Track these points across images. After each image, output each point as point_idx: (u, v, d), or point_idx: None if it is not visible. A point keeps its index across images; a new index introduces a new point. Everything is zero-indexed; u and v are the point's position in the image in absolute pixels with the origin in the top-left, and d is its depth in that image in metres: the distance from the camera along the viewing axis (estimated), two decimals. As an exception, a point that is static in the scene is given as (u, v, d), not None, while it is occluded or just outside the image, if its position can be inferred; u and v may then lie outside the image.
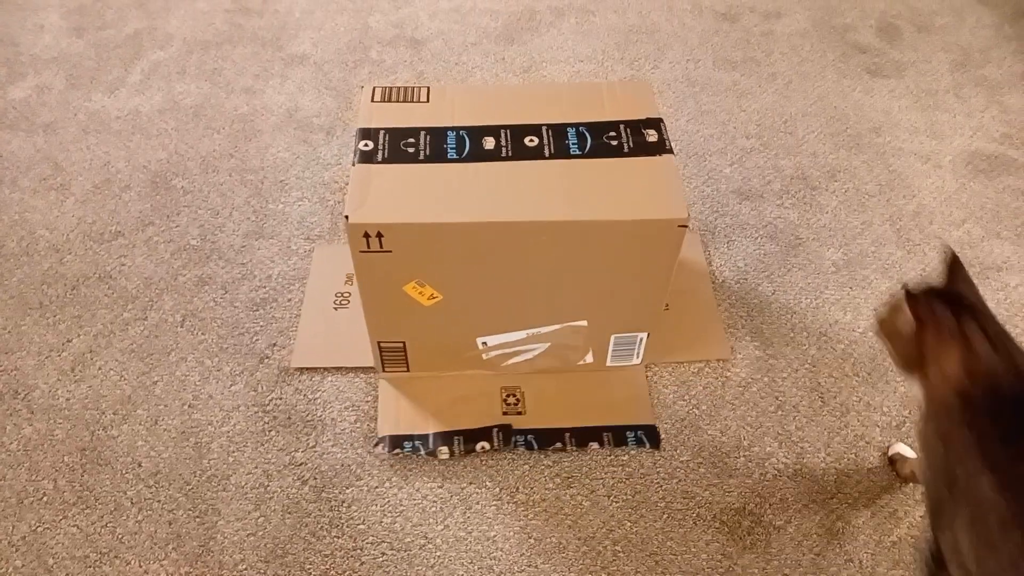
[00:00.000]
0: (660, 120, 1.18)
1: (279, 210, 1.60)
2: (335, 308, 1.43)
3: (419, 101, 1.21)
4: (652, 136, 1.16)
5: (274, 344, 1.39)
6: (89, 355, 1.37)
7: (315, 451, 1.26)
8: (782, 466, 1.25)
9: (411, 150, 1.12)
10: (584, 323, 1.25)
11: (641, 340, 1.30)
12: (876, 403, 1.32)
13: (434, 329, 1.24)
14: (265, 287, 1.47)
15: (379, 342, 1.26)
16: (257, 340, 1.39)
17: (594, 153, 1.13)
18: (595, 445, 1.26)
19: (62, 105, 1.80)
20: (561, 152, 1.13)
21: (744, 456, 1.26)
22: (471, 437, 1.25)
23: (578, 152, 1.13)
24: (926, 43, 2.01)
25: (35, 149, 1.70)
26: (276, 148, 1.73)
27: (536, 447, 1.25)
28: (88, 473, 1.23)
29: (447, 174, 1.11)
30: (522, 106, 1.21)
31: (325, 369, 1.35)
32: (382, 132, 1.15)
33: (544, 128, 1.16)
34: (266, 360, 1.37)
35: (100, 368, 1.35)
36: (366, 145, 1.13)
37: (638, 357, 1.34)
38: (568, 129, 1.16)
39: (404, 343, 1.27)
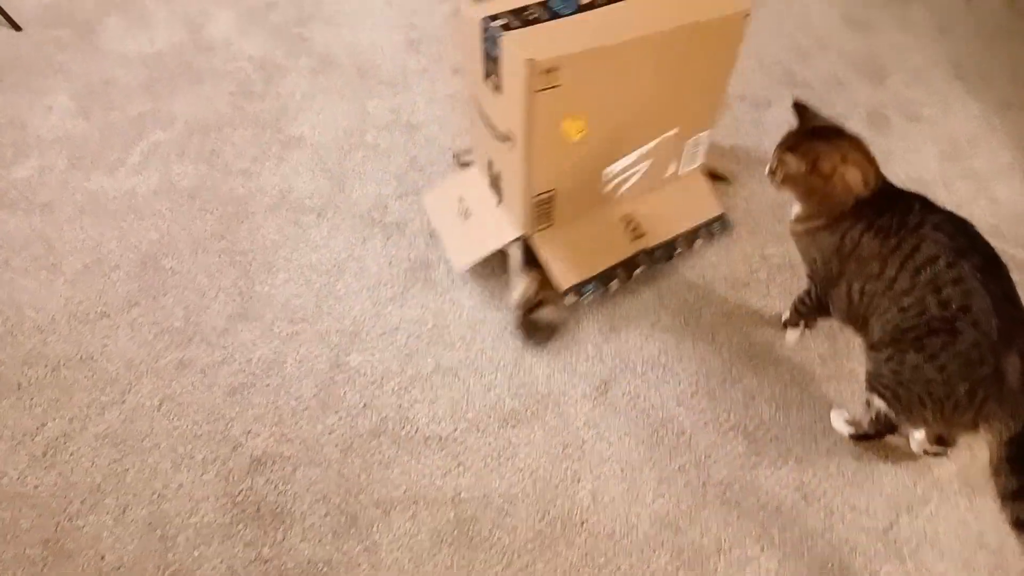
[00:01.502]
0: None
1: (264, 292, 1.61)
2: (463, 218, 1.63)
3: None
4: None
5: (248, 431, 1.37)
6: (63, 439, 1.36)
7: (283, 546, 1.23)
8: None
9: (533, 16, 1.30)
10: (675, 130, 1.52)
11: (704, 140, 1.60)
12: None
13: (576, 168, 1.43)
14: (244, 371, 1.46)
15: (534, 196, 1.42)
16: (232, 426, 1.38)
17: None
18: (699, 241, 1.63)
19: (61, 185, 1.84)
20: None
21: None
22: (629, 264, 1.53)
23: None
24: (915, 133, 2.03)
25: (31, 229, 1.73)
26: (267, 229, 1.75)
27: (667, 258, 1.59)
28: (50, 567, 1.20)
29: (573, 24, 1.30)
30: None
31: (294, 461, 1.33)
32: (502, 14, 1.30)
33: None
34: (239, 448, 1.35)
35: (72, 454, 1.34)
36: (497, 20, 1.28)
37: (700, 158, 1.65)
38: None
39: (554, 191, 1.43)
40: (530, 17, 1.30)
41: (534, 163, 1.36)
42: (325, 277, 1.65)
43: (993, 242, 1.75)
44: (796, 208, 1.30)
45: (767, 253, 1.71)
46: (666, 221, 1.61)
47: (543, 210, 1.47)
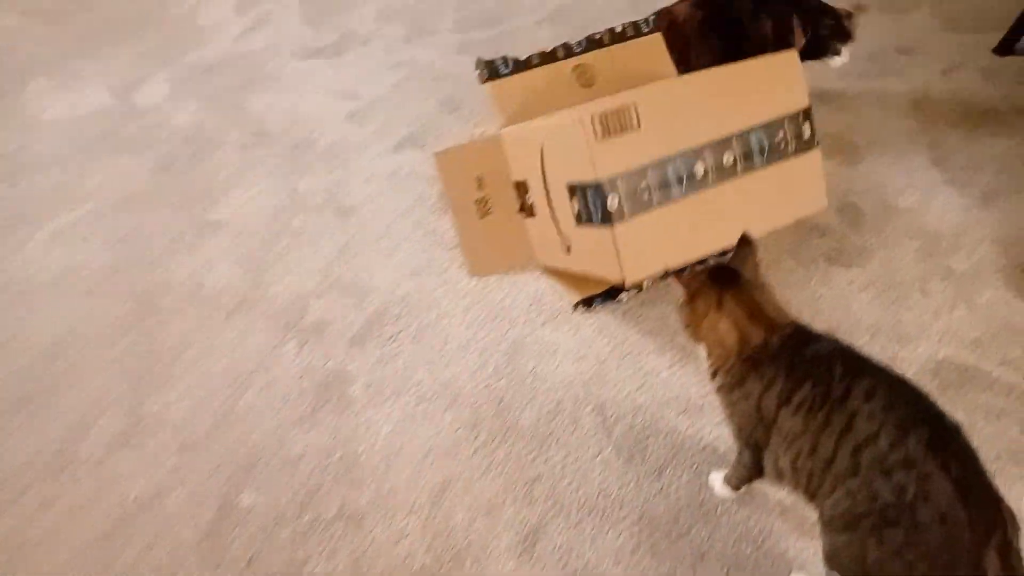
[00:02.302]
0: (810, 110, 1.49)
1: (155, 412, 1.42)
2: (481, 217, 1.66)
3: (632, 128, 1.35)
4: (807, 131, 1.50)
5: (109, 595, 1.17)
6: None
7: None
8: None
9: (645, 197, 1.37)
10: None
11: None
12: None
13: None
14: (118, 511, 1.26)
15: None
16: (92, 587, 1.18)
17: (770, 159, 1.47)
18: None
19: (-56, 275, 1.65)
20: (749, 164, 1.45)
21: None
22: None
23: (761, 162, 1.46)
24: (891, 226, 1.87)
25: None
26: (173, 330, 1.57)
27: None
28: None
29: (677, 213, 1.38)
30: (712, 109, 1.42)
31: None
32: (619, 181, 1.34)
33: (734, 141, 1.43)
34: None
35: None
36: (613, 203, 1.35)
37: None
38: (751, 136, 1.44)
39: None
40: (644, 196, 1.36)
41: None
42: (228, 391, 1.46)
43: (973, 359, 1.59)
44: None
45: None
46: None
47: None
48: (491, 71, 1.54)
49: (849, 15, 1.99)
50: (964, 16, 2.21)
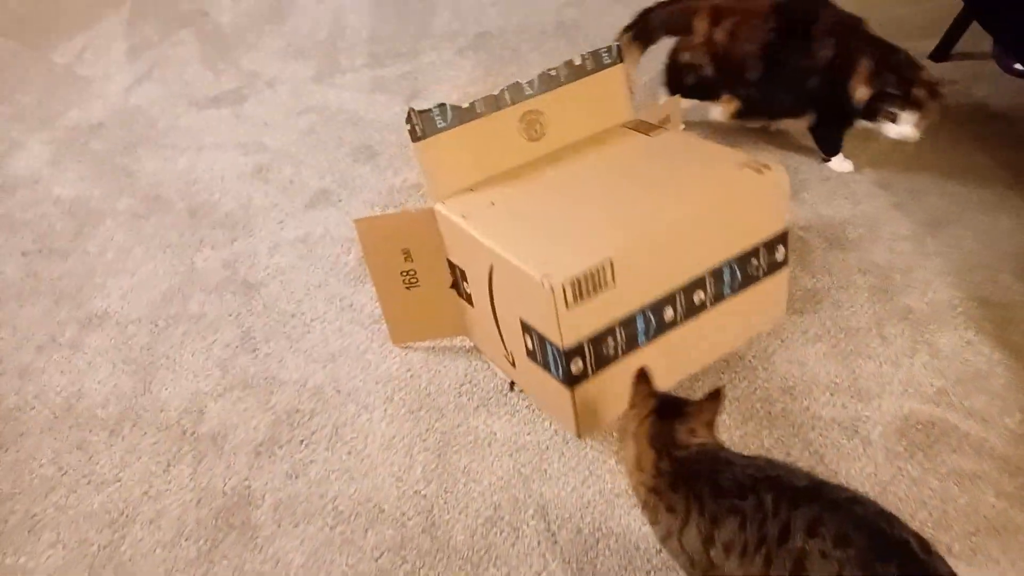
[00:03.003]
0: (786, 233, 1.38)
1: (18, 566, 1.20)
2: (406, 288, 1.43)
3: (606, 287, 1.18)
4: (780, 253, 1.40)
5: None
6: None
7: None
8: None
9: (610, 352, 1.24)
10: None
11: None
12: None
13: None
14: None
15: None
16: None
17: (740, 287, 1.36)
18: None
19: None
20: (718, 297, 1.34)
21: None
22: None
23: (730, 292, 1.36)
24: (840, 263, 1.76)
25: None
26: (39, 460, 1.35)
27: None
28: None
29: (640, 359, 1.22)
30: (688, 251, 1.27)
31: None
32: (586, 346, 1.19)
33: (707, 278, 1.30)
34: None
35: None
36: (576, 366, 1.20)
37: None
38: (724, 269, 1.32)
39: None
40: (610, 352, 1.23)
41: None
42: (107, 532, 1.25)
43: (939, 412, 1.48)
44: None
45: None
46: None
47: None
48: (426, 126, 1.28)
49: (936, 89, 1.76)
50: (894, 24, 2.11)
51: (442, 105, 1.28)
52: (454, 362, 1.53)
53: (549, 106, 1.38)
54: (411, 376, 1.51)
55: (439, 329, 1.51)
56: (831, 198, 1.92)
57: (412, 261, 1.40)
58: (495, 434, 1.41)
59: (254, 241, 1.80)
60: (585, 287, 1.13)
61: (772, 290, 1.46)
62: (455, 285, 1.42)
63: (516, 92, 1.34)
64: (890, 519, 0.82)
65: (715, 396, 0.98)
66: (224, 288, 1.68)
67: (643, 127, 1.48)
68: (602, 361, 1.25)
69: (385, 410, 1.45)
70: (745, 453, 0.99)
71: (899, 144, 1.88)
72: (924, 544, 0.81)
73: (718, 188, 1.30)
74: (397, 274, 1.41)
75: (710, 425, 0.99)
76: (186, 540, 1.25)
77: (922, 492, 1.32)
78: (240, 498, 1.31)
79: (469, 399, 1.47)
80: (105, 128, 2.14)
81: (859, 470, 1.34)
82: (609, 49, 1.41)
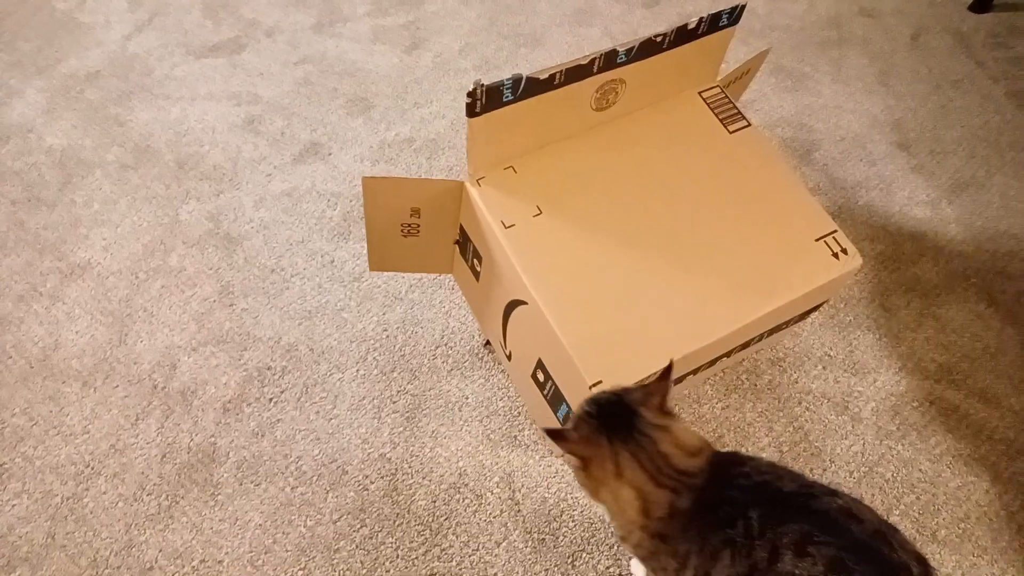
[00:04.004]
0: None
1: (-17, 516, 1.21)
2: (403, 236, 1.24)
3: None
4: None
5: None
6: None
7: None
8: None
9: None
10: None
11: None
12: None
13: None
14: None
15: None
16: None
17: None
18: None
19: None
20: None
21: None
22: None
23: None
24: (847, 228, 1.65)
25: None
26: (11, 410, 1.35)
27: None
28: None
29: None
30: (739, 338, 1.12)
31: None
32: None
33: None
34: None
35: None
36: None
37: None
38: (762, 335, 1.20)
39: None
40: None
41: None
42: (72, 484, 1.25)
43: (938, 390, 1.38)
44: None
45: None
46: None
47: None
48: (489, 100, 1.02)
49: None
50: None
51: (518, 77, 1.02)
52: (432, 323, 1.49)
53: (635, 74, 1.13)
54: (387, 336, 1.47)
55: (425, 267, 1.39)
56: (845, 159, 1.80)
57: (419, 218, 1.22)
58: (467, 398, 1.37)
59: (240, 194, 1.76)
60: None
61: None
62: (461, 248, 1.29)
63: (608, 61, 1.08)
64: (889, 538, 0.74)
65: (665, 374, 0.86)
66: (206, 241, 1.65)
67: (721, 106, 1.24)
68: None
69: (357, 370, 1.41)
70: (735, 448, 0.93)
71: (931, 96, 1.75)
72: (925, 567, 0.74)
73: (789, 285, 1.09)
74: (397, 225, 1.24)
75: (666, 394, 0.86)
76: (148, 495, 1.24)
77: (911, 474, 1.24)
78: (204, 455, 1.29)
79: (444, 361, 1.43)
80: (101, 77, 2.11)
81: (845, 448, 1.28)
82: (732, 10, 1.16)
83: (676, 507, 0.80)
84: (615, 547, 1.18)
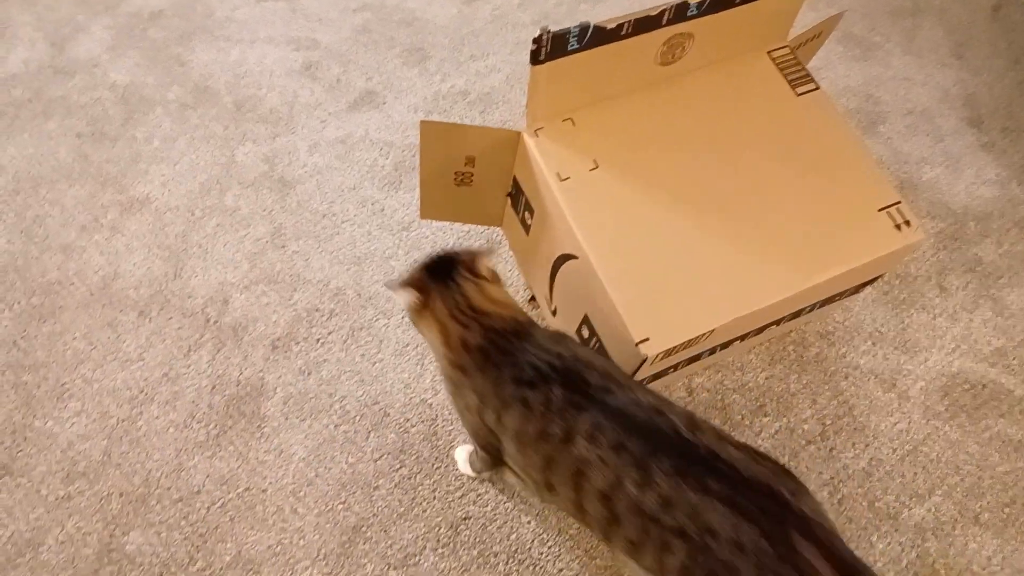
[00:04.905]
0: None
1: (45, 430, 1.27)
2: (456, 184, 1.23)
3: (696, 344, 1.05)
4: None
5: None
6: None
7: None
8: None
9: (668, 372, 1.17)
10: None
11: None
12: None
13: None
14: (-11, 556, 1.13)
15: None
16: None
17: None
18: None
19: None
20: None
21: None
22: None
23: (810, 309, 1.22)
24: (909, 205, 1.60)
25: None
26: (73, 333, 1.40)
27: None
28: None
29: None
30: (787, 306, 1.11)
31: None
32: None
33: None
34: None
35: None
36: None
37: None
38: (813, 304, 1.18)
39: None
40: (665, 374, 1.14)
41: None
42: (127, 408, 1.30)
43: (993, 374, 1.35)
44: None
45: (694, 385, 1.33)
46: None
47: None
48: (554, 48, 1.00)
49: None
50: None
51: (585, 25, 1.00)
52: (478, 275, 1.49)
53: (704, 29, 1.09)
54: (433, 286, 1.48)
55: (475, 218, 1.40)
56: (911, 133, 1.74)
57: (473, 167, 1.22)
58: (509, 351, 1.38)
59: (295, 139, 1.78)
60: (676, 349, 1.02)
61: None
62: (513, 200, 1.28)
63: (678, 13, 1.05)
64: (662, 407, 0.83)
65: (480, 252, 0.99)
66: (261, 183, 1.67)
67: (790, 67, 1.20)
68: (656, 378, 1.17)
69: (403, 317, 1.43)
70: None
71: (1008, 72, 1.68)
72: (692, 421, 0.83)
73: (848, 255, 1.07)
74: (451, 173, 1.24)
75: (498, 283, 0.99)
76: (197, 423, 1.29)
77: (957, 456, 1.22)
78: (253, 389, 1.33)
79: (488, 314, 1.43)
80: (165, 16, 2.13)
81: (890, 426, 1.26)
82: None
83: (467, 342, 0.91)
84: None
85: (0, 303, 1.45)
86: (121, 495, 1.20)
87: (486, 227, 1.55)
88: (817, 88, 1.17)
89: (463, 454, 1.20)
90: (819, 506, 0.80)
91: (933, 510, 1.16)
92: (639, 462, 0.78)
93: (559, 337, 0.93)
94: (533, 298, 1.43)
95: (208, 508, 1.19)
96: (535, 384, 0.85)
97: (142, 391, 1.32)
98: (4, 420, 1.28)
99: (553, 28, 0.97)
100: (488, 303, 0.94)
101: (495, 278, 1.00)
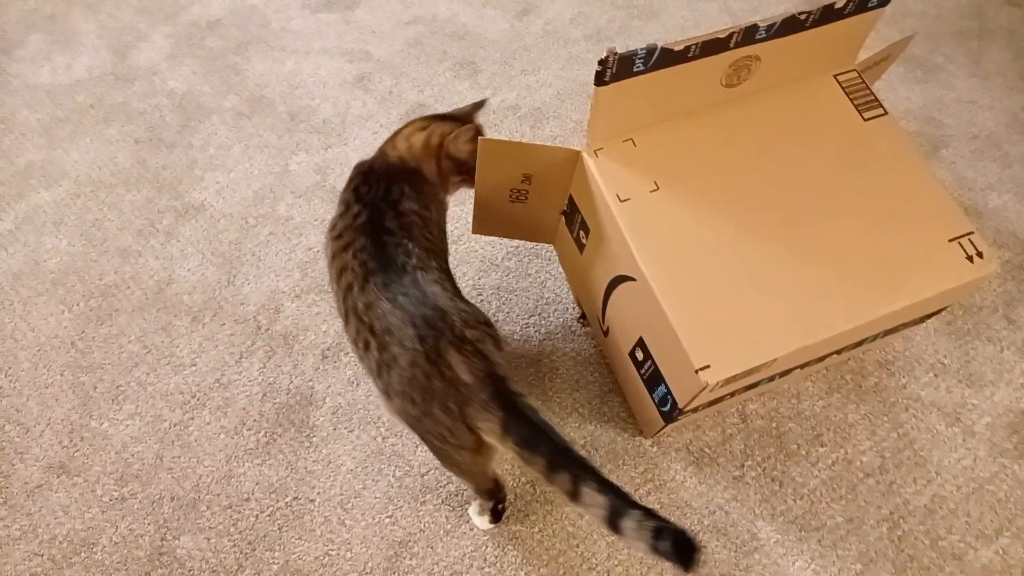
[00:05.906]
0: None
1: (101, 431, 1.29)
2: (511, 201, 1.25)
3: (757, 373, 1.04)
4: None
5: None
6: None
7: None
8: None
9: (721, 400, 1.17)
10: None
11: None
12: None
13: None
14: (42, 553, 1.15)
15: None
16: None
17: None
18: None
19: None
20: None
21: None
22: None
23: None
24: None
25: None
26: (128, 336, 1.42)
27: None
28: None
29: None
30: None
31: None
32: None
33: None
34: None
35: None
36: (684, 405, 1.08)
37: None
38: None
39: None
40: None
41: None
42: (179, 412, 1.32)
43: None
44: None
45: (748, 411, 1.29)
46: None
47: None
48: (620, 69, 0.98)
49: None
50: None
51: (652, 47, 0.98)
52: (526, 292, 1.49)
53: (771, 52, 1.07)
54: (481, 300, 1.48)
55: (528, 235, 1.38)
56: (977, 159, 1.69)
57: (529, 184, 1.20)
58: (557, 370, 1.37)
59: (347, 150, 1.79)
60: (736, 377, 0.99)
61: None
62: (567, 218, 1.26)
63: (747, 36, 1.03)
64: (414, 255, 1.02)
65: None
66: (313, 193, 1.69)
67: (858, 91, 1.17)
68: (711, 404, 1.14)
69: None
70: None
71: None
72: (423, 261, 1.02)
73: (918, 285, 1.04)
74: (506, 190, 1.22)
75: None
76: (248, 430, 1.29)
77: (1025, 496, 1.17)
78: (302, 397, 1.34)
79: (536, 331, 1.43)
80: (222, 25, 2.17)
81: (954, 462, 1.21)
82: None
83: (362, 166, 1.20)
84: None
85: (60, 304, 1.48)
86: (172, 499, 1.21)
87: (535, 243, 1.54)
88: (886, 113, 1.15)
89: (475, 508, 1.18)
90: (499, 353, 0.97)
91: (1001, 552, 1.11)
92: (366, 275, 0.99)
93: (400, 192, 1.11)
94: (583, 315, 1.42)
95: (257, 516, 1.19)
96: (360, 198, 1.09)
97: (194, 396, 1.34)
98: (62, 419, 1.30)
99: (608, 46, 0.96)
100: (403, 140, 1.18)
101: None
